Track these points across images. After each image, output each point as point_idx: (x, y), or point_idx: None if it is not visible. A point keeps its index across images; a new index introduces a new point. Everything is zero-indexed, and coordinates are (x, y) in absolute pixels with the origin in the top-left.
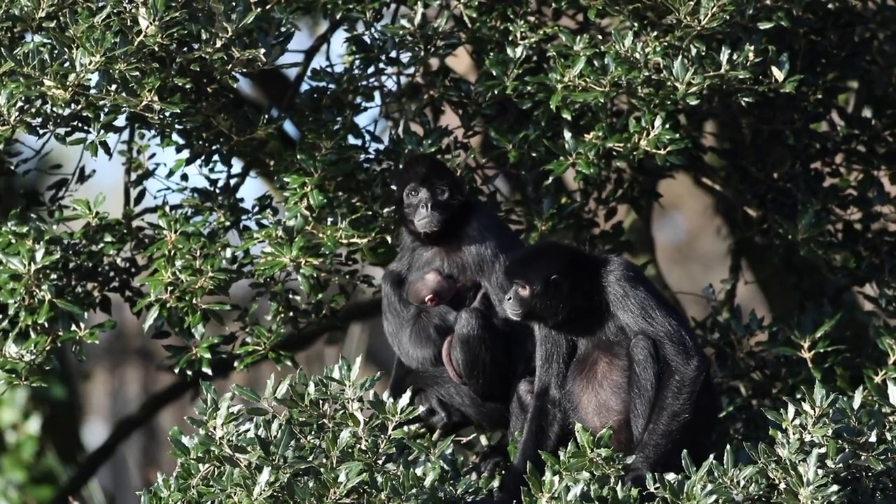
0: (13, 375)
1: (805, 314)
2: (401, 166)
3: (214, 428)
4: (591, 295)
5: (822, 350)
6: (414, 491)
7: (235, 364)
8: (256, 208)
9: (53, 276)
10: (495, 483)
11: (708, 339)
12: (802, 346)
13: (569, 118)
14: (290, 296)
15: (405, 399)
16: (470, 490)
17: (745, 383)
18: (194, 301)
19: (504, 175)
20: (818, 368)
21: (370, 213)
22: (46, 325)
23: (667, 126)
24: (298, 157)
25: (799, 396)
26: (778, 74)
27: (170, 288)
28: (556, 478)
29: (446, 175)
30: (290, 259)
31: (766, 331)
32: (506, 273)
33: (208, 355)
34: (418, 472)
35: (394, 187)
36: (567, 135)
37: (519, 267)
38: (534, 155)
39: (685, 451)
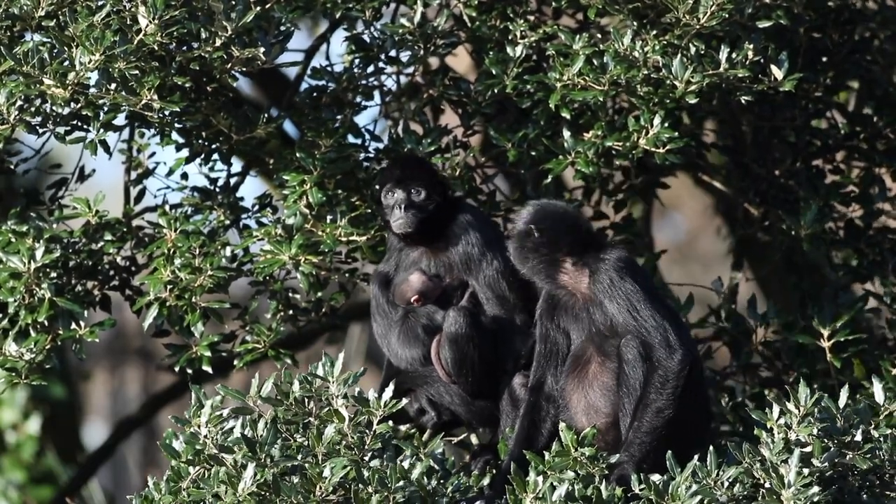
0: (13, 374)
1: (822, 307)
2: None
3: (199, 426)
4: (583, 266)
5: (842, 339)
6: (401, 483)
7: (235, 362)
8: (256, 207)
9: (53, 274)
10: (486, 481)
11: (720, 325)
12: (822, 335)
13: (568, 117)
14: (290, 294)
15: (388, 393)
16: (460, 489)
17: (748, 377)
18: (194, 299)
19: (503, 174)
20: (837, 358)
21: (370, 211)
22: (46, 323)
23: (666, 125)
24: (298, 155)
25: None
26: (777, 73)
27: (169, 286)
28: (541, 478)
29: (422, 175)
30: (290, 257)
31: (783, 320)
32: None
33: (208, 353)
34: (405, 465)
35: (376, 187)
36: (566, 133)
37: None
38: (533, 154)
39: (670, 451)
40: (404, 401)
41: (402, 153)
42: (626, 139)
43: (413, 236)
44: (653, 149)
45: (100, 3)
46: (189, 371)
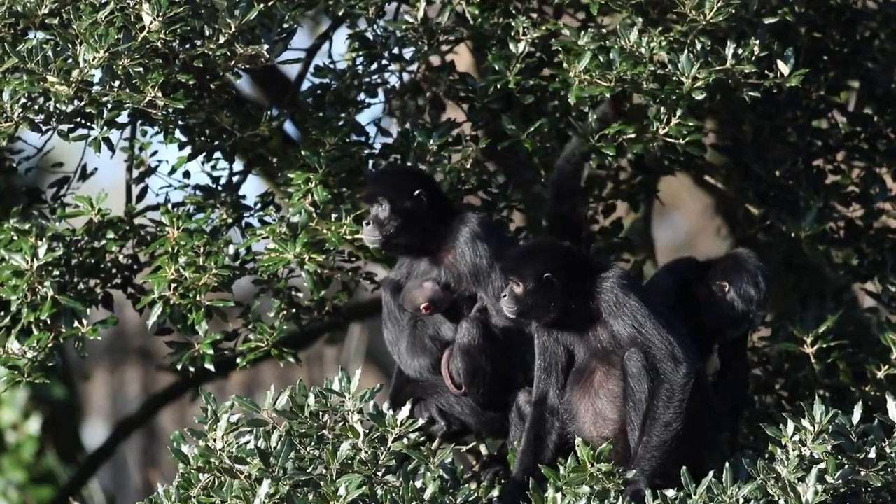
0: (15, 372)
1: (807, 311)
2: (408, 164)
3: (214, 440)
4: (585, 298)
5: (824, 346)
6: (414, 503)
7: (238, 360)
8: (259, 205)
9: (56, 272)
10: (495, 492)
11: None
12: (805, 341)
13: (586, 110)
14: (293, 293)
15: (405, 411)
16: (469, 500)
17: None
18: (198, 298)
19: (505, 172)
20: (821, 364)
21: None
22: (49, 321)
23: (687, 116)
24: (303, 152)
25: (807, 396)
26: (783, 69)
27: (173, 285)
28: (559, 495)
29: (386, 190)
30: (294, 255)
31: (770, 327)
32: (501, 270)
33: (210, 351)
34: (417, 484)
35: None
36: (591, 117)
37: (514, 264)
38: (547, 145)
39: (684, 467)
40: (420, 420)
41: (384, 166)
42: (644, 130)
43: (387, 250)
44: (674, 140)
45: (103, 1)
46: (191, 369)
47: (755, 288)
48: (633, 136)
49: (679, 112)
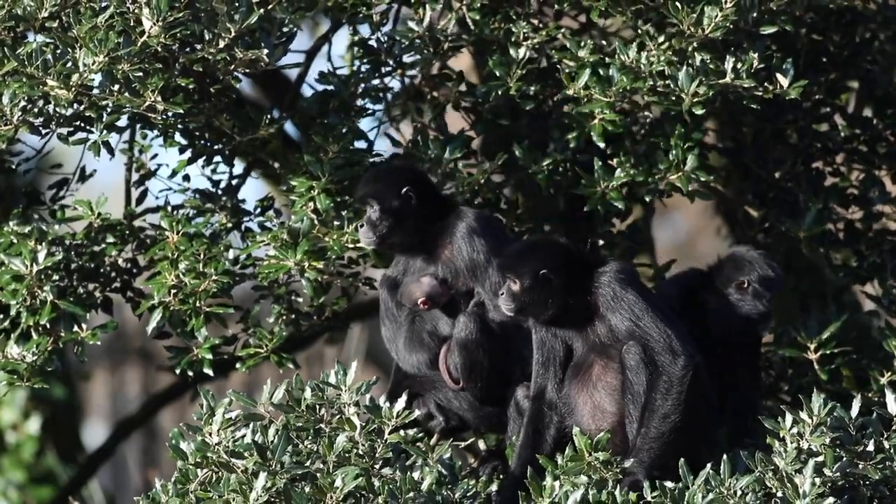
0: (14, 376)
1: (810, 316)
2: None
3: (210, 434)
4: (583, 294)
5: (828, 352)
6: (411, 495)
7: (237, 365)
8: (258, 210)
9: (55, 276)
10: (494, 487)
11: None
12: (809, 348)
13: (602, 145)
14: (293, 298)
15: (401, 403)
16: (468, 494)
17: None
18: (198, 304)
19: (505, 173)
20: (824, 370)
21: None
22: (48, 325)
23: (697, 164)
24: (306, 159)
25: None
26: (783, 81)
27: (173, 290)
28: (556, 483)
29: (375, 191)
30: (295, 263)
31: (773, 332)
32: (498, 268)
33: (209, 356)
34: (415, 475)
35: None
36: (597, 164)
37: (510, 261)
38: (558, 178)
39: (682, 459)
40: (417, 412)
41: (375, 168)
42: (651, 174)
43: (384, 249)
44: (682, 186)
45: (103, 5)
46: (190, 373)
47: (772, 270)
48: (640, 180)
49: (690, 160)
